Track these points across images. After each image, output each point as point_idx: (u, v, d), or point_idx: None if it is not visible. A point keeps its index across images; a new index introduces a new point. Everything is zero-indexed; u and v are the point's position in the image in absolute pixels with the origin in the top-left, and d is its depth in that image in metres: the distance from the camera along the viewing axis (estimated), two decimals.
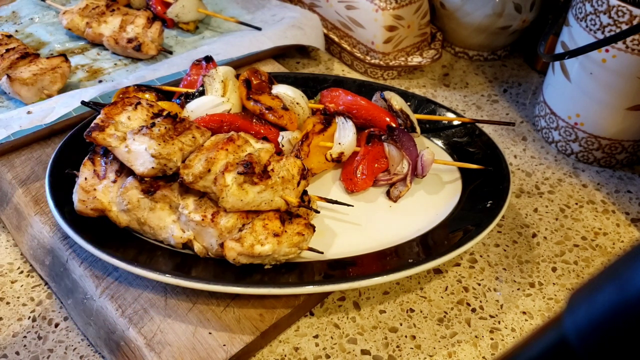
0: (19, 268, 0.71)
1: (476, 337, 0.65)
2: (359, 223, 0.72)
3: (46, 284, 0.69)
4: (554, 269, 0.74)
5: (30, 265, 0.71)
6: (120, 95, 0.77)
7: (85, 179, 0.65)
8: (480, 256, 0.74)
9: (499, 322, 0.67)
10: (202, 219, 0.62)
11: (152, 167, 0.62)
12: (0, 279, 0.70)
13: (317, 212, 0.67)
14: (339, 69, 1.09)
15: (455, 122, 0.84)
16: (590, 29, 0.79)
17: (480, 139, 0.82)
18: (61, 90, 0.87)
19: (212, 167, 0.62)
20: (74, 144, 0.74)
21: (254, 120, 0.75)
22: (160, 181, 0.64)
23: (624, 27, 0.75)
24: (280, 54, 1.06)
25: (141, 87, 0.79)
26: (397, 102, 0.80)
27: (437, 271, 0.72)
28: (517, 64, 1.13)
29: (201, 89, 0.78)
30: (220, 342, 0.59)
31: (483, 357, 0.63)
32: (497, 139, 0.94)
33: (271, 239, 0.61)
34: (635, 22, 0.74)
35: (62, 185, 0.68)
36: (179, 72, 0.91)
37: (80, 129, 0.76)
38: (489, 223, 0.68)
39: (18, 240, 0.73)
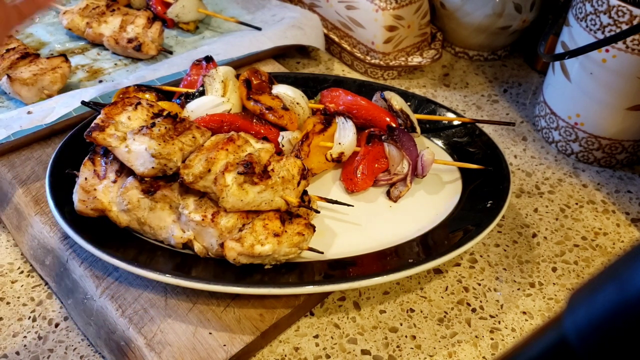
0: (19, 268, 0.71)
1: (476, 337, 0.65)
2: (359, 223, 0.72)
3: (46, 284, 0.69)
4: (554, 269, 0.74)
5: (31, 265, 0.71)
6: (121, 95, 0.77)
7: (86, 179, 0.65)
8: (481, 256, 0.74)
9: (499, 322, 0.67)
10: (202, 219, 0.62)
11: (152, 167, 0.62)
12: (0, 279, 0.70)
13: (317, 212, 0.67)
14: (339, 69, 1.09)
15: (456, 122, 0.84)
16: (591, 29, 0.79)
17: (480, 139, 0.82)
18: (61, 90, 0.87)
19: (212, 167, 0.62)
20: (74, 144, 0.74)
21: (254, 120, 0.75)
22: (161, 181, 0.65)
23: (624, 27, 0.75)
24: (280, 54, 1.06)
25: (141, 87, 0.79)
26: (397, 102, 0.80)
27: (437, 271, 0.72)
28: (517, 64, 1.13)
29: (201, 89, 0.78)
30: (221, 342, 0.59)
31: (483, 357, 0.63)
32: (497, 139, 0.94)
33: (271, 239, 0.61)
34: (635, 22, 0.74)
35: (62, 185, 0.68)
36: (179, 72, 0.91)
37: (81, 129, 0.76)
38: (489, 223, 0.68)
39: (18, 240, 0.73)
